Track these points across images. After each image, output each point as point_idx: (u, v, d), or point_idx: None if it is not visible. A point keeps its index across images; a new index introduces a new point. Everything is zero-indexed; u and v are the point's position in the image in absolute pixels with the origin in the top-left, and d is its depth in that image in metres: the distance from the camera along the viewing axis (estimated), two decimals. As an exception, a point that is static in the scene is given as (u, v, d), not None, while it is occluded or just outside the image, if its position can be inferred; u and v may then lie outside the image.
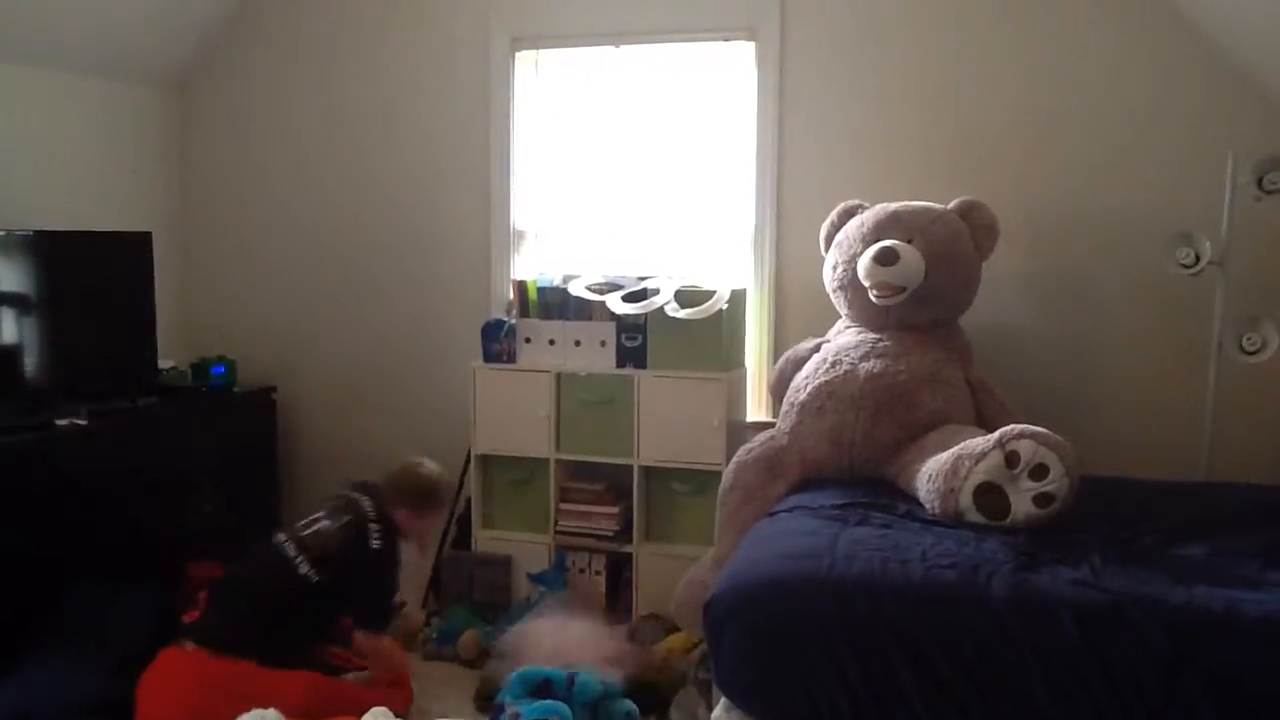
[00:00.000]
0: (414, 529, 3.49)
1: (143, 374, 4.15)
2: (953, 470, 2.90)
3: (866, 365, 3.44)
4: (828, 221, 3.83)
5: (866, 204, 3.74)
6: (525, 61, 4.42)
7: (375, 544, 3.31)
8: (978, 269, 3.64)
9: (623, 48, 4.29)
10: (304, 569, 3.25)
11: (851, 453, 3.37)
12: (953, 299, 3.62)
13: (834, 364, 3.50)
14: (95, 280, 4.01)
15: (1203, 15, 3.62)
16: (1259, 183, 3.35)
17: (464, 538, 4.30)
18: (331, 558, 3.26)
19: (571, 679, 3.08)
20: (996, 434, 2.88)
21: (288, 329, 4.81)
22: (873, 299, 3.53)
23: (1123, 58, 3.77)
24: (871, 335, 3.58)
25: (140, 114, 4.67)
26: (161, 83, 4.73)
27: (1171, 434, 3.77)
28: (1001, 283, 3.88)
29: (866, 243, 3.56)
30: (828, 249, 3.80)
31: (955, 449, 2.95)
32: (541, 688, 3.05)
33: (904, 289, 3.47)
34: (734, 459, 3.63)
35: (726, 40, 4.17)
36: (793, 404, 3.55)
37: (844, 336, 3.68)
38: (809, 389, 3.50)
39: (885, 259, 3.44)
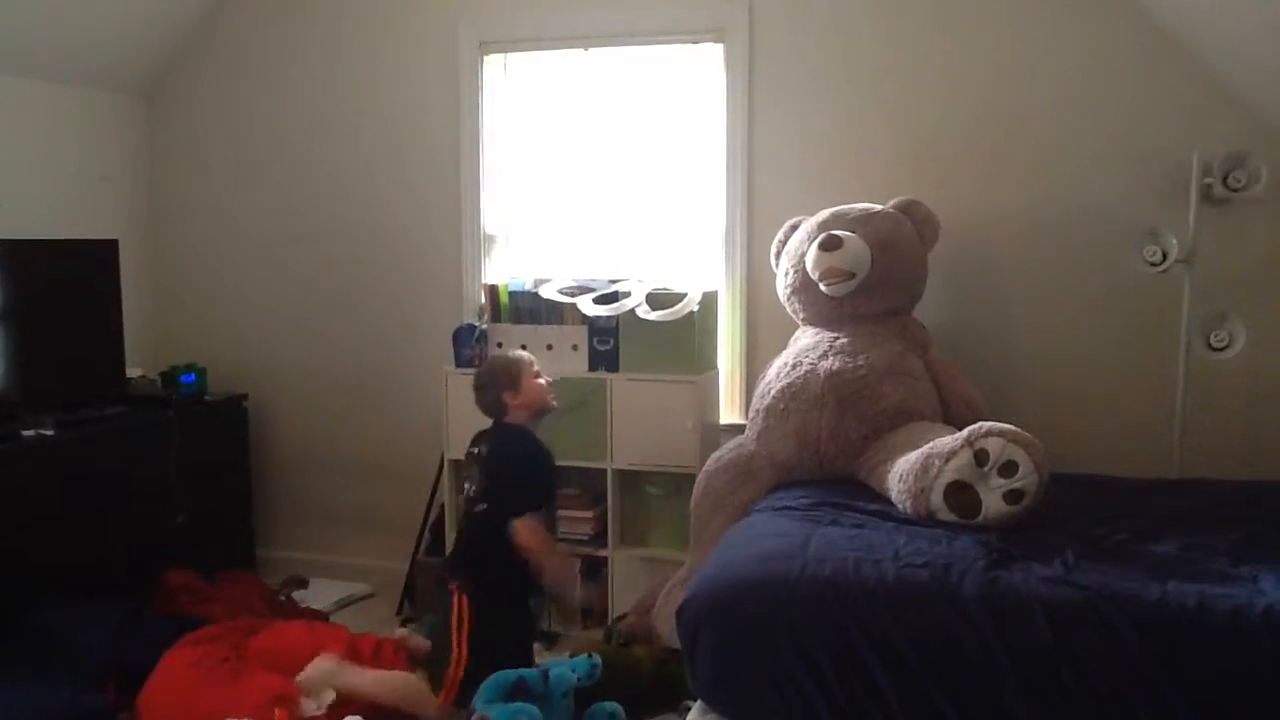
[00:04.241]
0: (522, 404, 3.47)
1: (110, 383, 4.11)
2: (923, 469, 2.91)
3: (826, 364, 3.45)
4: (775, 239, 3.88)
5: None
6: (494, 65, 4.41)
7: (485, 449, 3.45)
8: (923, 258, 3.71)
9: (591, 50, 4.29)
10: (477, 507, 3.42)
11: (819, 451, 3.37)
12: (902, 286, 3.66)
13: (794, 366, 3.52)
14: (61, 288, 3.97)
15: (1167, 15, 3.64)
16: (1224, 180, 3.38)
17: (438, 544, 4.28)
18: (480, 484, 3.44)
19: (546, 674, 3.07)
20: (965, 432, 2.88)
21: (259, 336, 4.78)
22: (823, 290, 3.56)
23: (1089, 58, 3.79)
24: (829, 334, 3.60)
25: (107, 121, 4.64)
26: (128, 89, 4.70)
27: (1142, 431, 3.79)
28: (970, 282, 3.92)
29: (812, 240, 3.60)
30: (778, 263, 3.85)
31: (924, 448, 2.96)
32: (516, 689, 3.04)
33: (852, 275, 3.51)
34: (704, 468, 3.64)
35: (695, 42, 4.18)
36: (758, 410, 3.56)
37: (803, 339, 3.70)
38: (772, 393, 3.51)
39: (830, 244, 3.51)
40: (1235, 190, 3.37)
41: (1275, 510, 3.05)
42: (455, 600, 3.30)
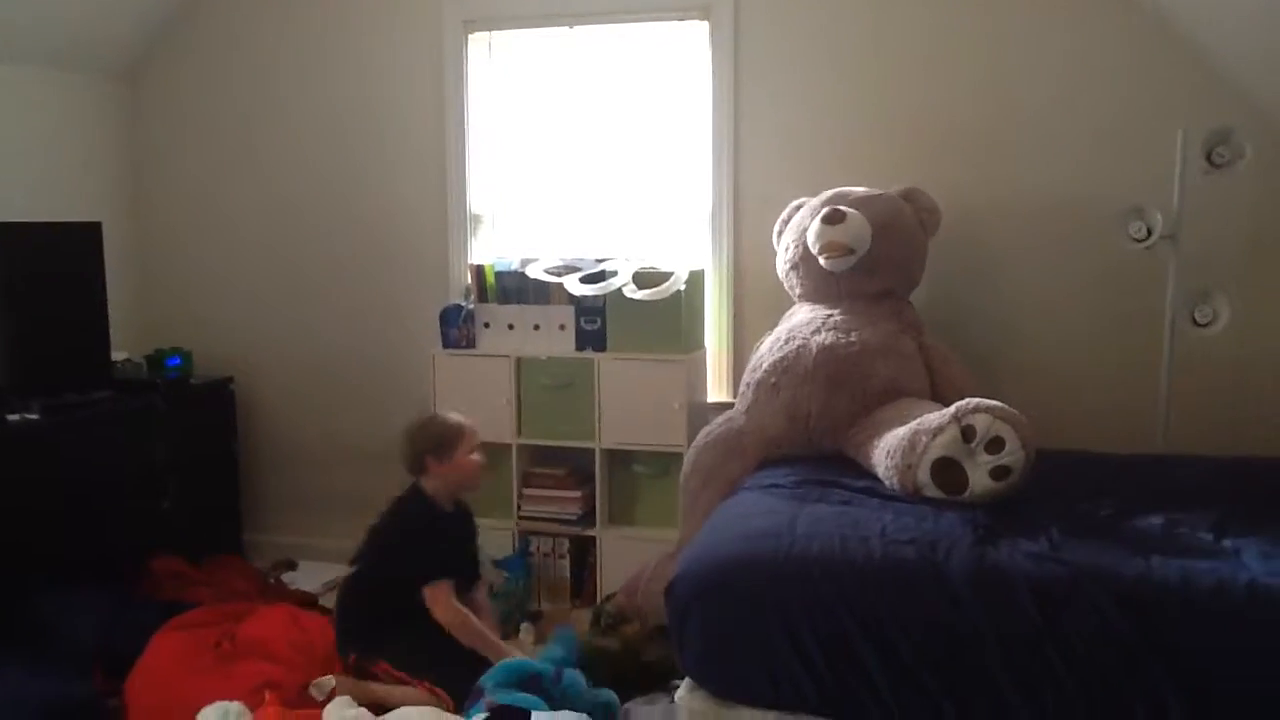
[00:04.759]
0: (445, 475, 3.45)
1: (96, 366, 4.09)
2: (910, 446, 2.92)
3: (818, 339, 3.46)
4: (779, 219, 3.88)
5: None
6: (478, 43, 4.38)
7: (389, 520, 3.45)
8: (923, 244, 3.71)
9: (576, 28, 4.26)
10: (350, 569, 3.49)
11: (809, 426, 3.38)
12: (901, 268, 3.67)
13: (787, 340, 3.53)
14: (45, 272, 3.95)
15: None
16: (1208, 157, 3.38)
17: (426, 525, 4.28)
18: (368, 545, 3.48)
19: (559, 674, 3.06)
20: (952, 408, 2.89)
21: (245, 319, 4.76)
22: (823, 263, 3.56)
23: (1075, 37, 3.78)
24: (824, 311, 3.61)
25: (90, 104, 4.59)
26: (111, 72, 4.65)
27: (1127, 407, 3.80)
28: (959, 260, 3.92)
29: (815, 216, 3.60)
30: (779, 240, 3.85)
31: (912, 424, 2.97)
32: (529, 682, 3.01)
33: (852, 251, 3.51)
34: (693, 444, 3.65)
35: (680, 20, 4.16)
36: (749, 384, 3.57)
37: (798, 315, 3.70)
38: (764, 367, 3.52)
39: (833, 219, 3.51)
40: (1219, 166, 3.37)
41: (1258, 485, 3.07)
42: (379, 673, 3.22)
